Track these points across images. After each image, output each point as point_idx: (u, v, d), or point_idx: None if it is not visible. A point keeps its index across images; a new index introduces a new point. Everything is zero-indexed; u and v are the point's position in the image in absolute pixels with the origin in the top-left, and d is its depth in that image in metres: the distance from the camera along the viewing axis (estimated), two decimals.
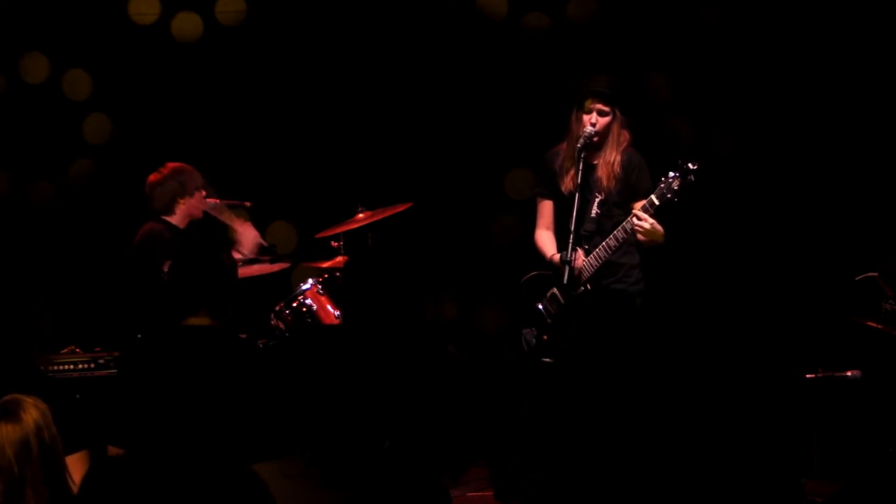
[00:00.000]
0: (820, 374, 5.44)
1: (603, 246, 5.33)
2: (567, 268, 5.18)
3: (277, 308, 6.13)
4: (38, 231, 7.01)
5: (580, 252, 5.37)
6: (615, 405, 5.36)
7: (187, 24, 7.04)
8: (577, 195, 5.29)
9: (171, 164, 5.97)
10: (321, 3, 7.20)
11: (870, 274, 5.58)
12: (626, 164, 5.43)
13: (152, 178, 5.94)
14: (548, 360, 5.43)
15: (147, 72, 7.06)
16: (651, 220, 5.16)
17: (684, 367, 6.31)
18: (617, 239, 5.29)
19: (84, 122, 7.03)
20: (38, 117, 7.00)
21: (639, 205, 5.32)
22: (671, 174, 5.18)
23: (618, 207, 5.43)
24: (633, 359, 5.37)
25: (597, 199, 5.43)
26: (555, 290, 5.46)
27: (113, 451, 3.96)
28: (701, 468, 5.45)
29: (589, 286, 5.38)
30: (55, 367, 5.57)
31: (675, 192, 5.14)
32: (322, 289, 6.15)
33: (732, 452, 5.64)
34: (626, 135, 5.46)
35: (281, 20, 7.15)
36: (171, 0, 7.04)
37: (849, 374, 5.41)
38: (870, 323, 5.49)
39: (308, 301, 6.10)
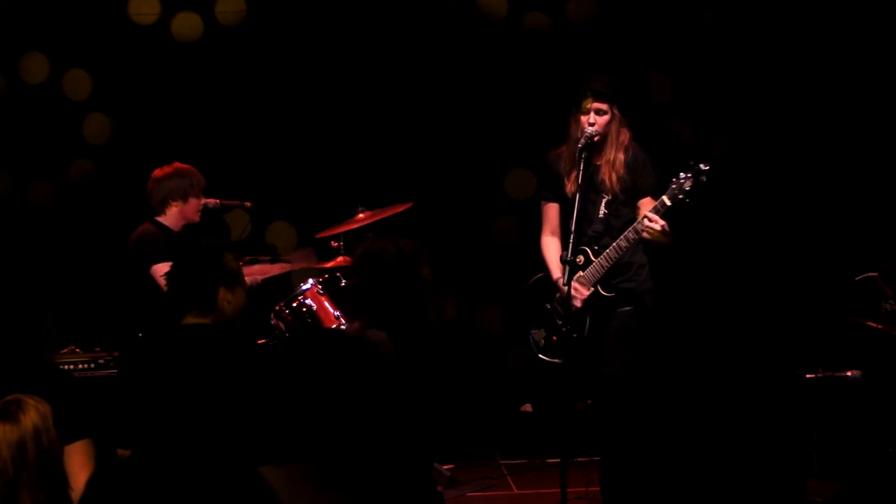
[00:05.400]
0: (820, 374, 5.43)
1: (614, 247, 5.29)
2: (567, 268, 5.16)
3: (277, 308, 6.14)
4: (37, 231, 7.01)
5: (577, 283, 5.36)
6: (623, 405, 5.37)
7: (187, 25, 7.04)
8: (577, 197, 5.27)
9: (177, 165, 5.96)
10: (321, 3, 7.20)
11: (870, 274, 5.58)
12: (629, 163, 5.40)
13: (156, 173, 5.96)
14: (556, 360, 5.42)
15: (147, 72, 7.06)
16: (662, 222, 5.13)
17: (685, 367, 6.31)
18: (628, 240, 5.25)
19: (84, 122, 7.04)
20: (38, 117, 7.00)
21: (645, 202, 5.32)
22: (682, 175, 5.15)
23: (625, 206, 5.41)
24: (644, 358, 5.38)
25: (604, 200, 5.40)
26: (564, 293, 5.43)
27: (122, 452, 3.96)
28: (702, 467, 5.45)
29: (599, 287, 5.37)
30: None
31: (686, 193, 5.12)
32: (322, 289, 6.15)
33: (733, 452, 5.64)
34: (626, 133, 5.42)
35: (281, 20, 7.15)
36: (171, 0, 7.04)
37: (849, 374, 5.40)
38: (870, 323, 5.49)
39: (308, 301, 6.10)
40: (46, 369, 3.92)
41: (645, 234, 5.19)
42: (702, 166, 5.12)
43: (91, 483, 2.61)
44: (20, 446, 3.09)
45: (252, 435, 3.70)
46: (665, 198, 5.17)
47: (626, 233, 5.26)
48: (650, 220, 5.14)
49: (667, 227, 5.15)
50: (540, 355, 5.52)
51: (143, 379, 4.01)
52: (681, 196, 5.13)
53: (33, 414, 3.13)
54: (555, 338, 5.41)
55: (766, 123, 7.00)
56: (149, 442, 3.85)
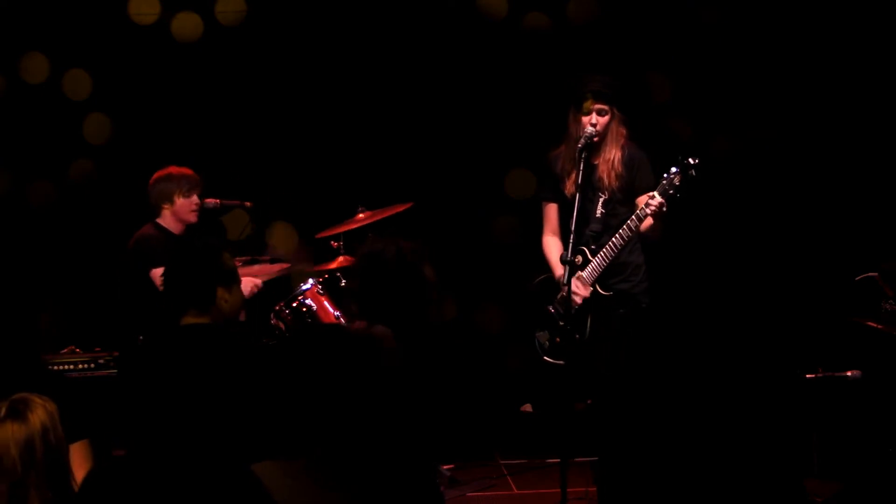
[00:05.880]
0: (820, 374, 5.43)
1: (609, 245, 5.33)
2: (568, 267, 5.17)
3: (277, 308, 6.14)
4: (37, 231, 7.01)
5: (578, 282, 5.37)
6: (620, 404, 5.38)
7: (187, 24, 7.04)
8: (577, 196, 5.29)
9: (170, 169, 5.99)
10: (321, 3, 7.20)
11: (870, 274, 5.58)
12: (627, 161, 5.44)
13: (153, 177, 6.00)
14: (560, 362, 5.44)
15: (147, 72, 7.06)
16: (663, 199, 5.16)
17: (685, 367, 6.31)
18: (622, 237, 5.29)
19: (84, 122, 7.03)
20: (38, 117, 7.00)
21: (642, 200, 5.33)
22: (672, 170, 5.18)
23: (622, 205, 5.44)
24: (638, 359, 5.39)
25: (601, 199, 5.44)
26: (564, 292, 5.44)
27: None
28: (701, 468, 5.45)
29: (598, 286, 5.38)
30: (55, 367, 5.59)
31: (676, 188, 5.14)
32: (322, 289, 6.15)
33: (733, 452, 5.64)
34: (623, 131, 5.47)
35: (281, 20, 7.15)
36: (171, 0, 7.04)
37: (849, 374, 5.41)
38: (870, 323, 5.49)
39: (308, 301, 6.10)
40: (42, 371, 3.92)
41: (647, 221, 5.21)
42: (690, 160, 5.15)
43: (86, 481, 2.61)
44: (28, 445, 3.10)
45: (252, 434, 3.70)
46: (656, 193, 5.19)
47: (620, 230, 5.30)
48: (655, 204, 5.14)
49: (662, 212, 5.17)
50: (545, 357, 5.55)
51: (144, 380, 4.01)
52: (671, 192, 5.16)
53: (41, 412, 3.14)
54: (558, 339, 5.43)
55: (766, 123, 7.00)
56: (148, 442, 3.85)
